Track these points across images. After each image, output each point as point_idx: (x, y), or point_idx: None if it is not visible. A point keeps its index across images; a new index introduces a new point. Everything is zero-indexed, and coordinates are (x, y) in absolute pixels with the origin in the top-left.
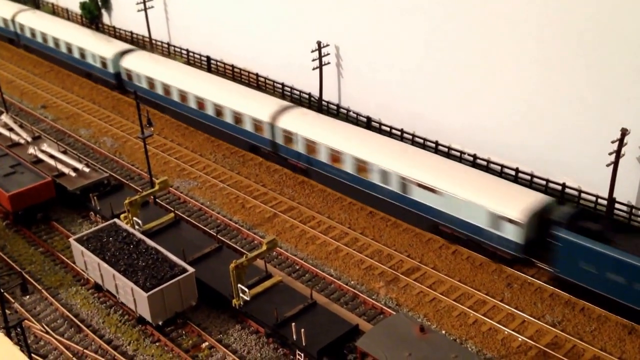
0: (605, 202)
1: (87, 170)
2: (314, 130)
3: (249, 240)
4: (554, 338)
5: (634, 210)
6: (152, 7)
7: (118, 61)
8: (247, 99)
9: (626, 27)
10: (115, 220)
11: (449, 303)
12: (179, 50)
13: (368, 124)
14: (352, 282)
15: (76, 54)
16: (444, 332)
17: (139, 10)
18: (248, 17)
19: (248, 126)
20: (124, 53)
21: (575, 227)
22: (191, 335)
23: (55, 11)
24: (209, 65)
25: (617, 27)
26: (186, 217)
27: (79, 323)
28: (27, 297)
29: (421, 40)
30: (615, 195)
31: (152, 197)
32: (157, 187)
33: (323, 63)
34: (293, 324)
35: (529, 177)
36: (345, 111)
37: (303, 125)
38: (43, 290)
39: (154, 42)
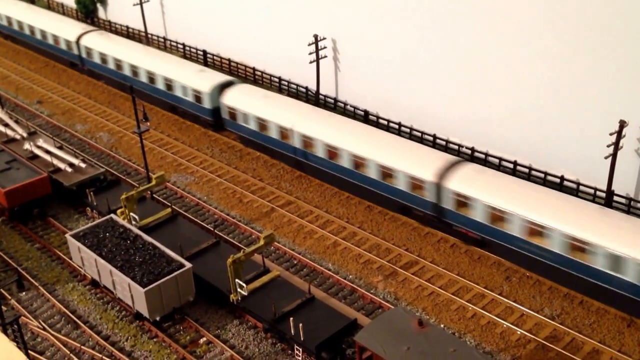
0: (604, 195)
1: (83, 165)
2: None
3: (246, 235)
4: (552, 331)
5: (632, 203)
6: (148, 0)
7: (217, 96)
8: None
9: (626, 18)
10: (112, 215)
11: (447, 297)
12: (174, 44)
13: (365, 117)
14: (350, 277)
15: (160, 85)
16: (442, 325)
17: (134, 4)
18: (244, 10)
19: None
20: (225, 86)
21: None
22: (189, 330)
23: (50, 6)
24: (205, 59)
25: (617, 18)
26: (183, 212)
27: (76, 319)
28: (24, 293)
29: (419, 33)
30: (613, 187)
31: (149, 192)
32: (153, 182)
33: (320, 56)
34: (291, 318)
35: (527, 170)
36: (342, 105)
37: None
38: (40, 287)
39: (149, 36)
